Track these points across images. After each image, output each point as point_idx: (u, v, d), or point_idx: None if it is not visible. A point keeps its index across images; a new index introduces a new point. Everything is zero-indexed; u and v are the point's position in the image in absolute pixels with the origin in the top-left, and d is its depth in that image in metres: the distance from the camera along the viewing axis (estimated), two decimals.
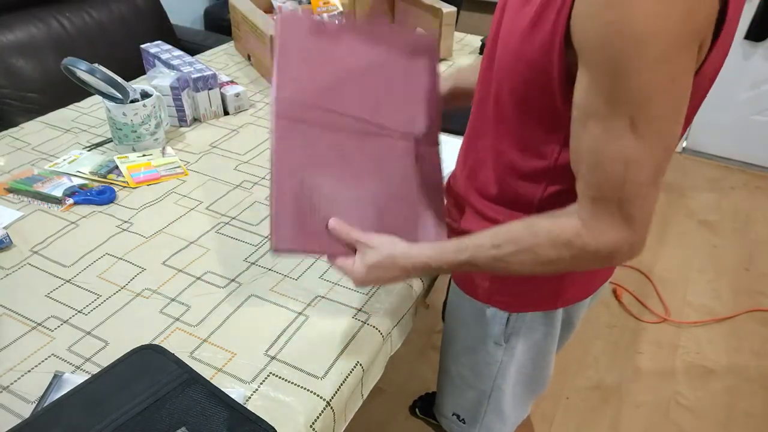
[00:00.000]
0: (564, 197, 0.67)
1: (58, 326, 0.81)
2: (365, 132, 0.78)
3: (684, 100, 0.56)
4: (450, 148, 1.21)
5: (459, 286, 0.88)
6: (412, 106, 0.83)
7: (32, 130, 1.29)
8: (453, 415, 1.00)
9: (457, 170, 0.86)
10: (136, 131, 1.18)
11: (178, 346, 0.78)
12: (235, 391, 0.72)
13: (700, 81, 0.58)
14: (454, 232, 0.85)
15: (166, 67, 1.37)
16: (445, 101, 0.90)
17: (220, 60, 1.69)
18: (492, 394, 0.92)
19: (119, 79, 1.13)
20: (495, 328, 0.85)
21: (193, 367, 0.72)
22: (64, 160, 1.17)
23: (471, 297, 0.85)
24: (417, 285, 0.91)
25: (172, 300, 0.86)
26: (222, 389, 0.70)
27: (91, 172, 1.13)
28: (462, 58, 1.70)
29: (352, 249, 0.73)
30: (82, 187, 1.09)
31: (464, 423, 0.99)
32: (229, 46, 1.79)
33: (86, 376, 0.72)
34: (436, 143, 0.85)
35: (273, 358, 0.77)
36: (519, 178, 0.72)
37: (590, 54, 0.54)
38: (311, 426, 0.70)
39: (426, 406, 1.61)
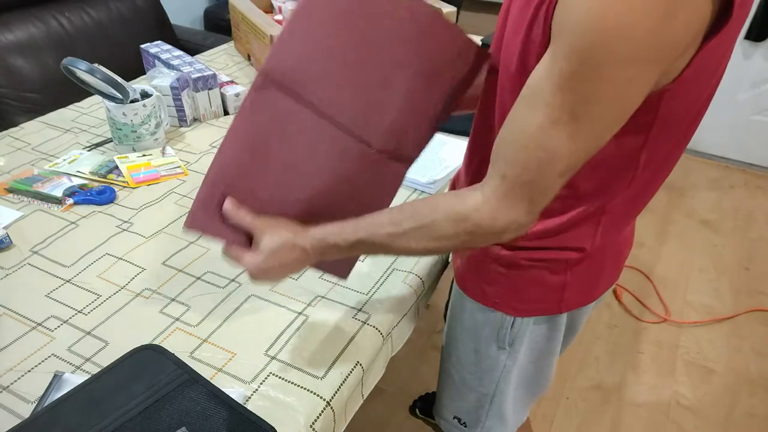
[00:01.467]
0: (568, 194, 0.67)
1: (58, 326, 0.81)
2: (338, 132, 0.70)
3: (627, 111, 0.55)
4: (450, 148, 1.21)
5: (462, 289, 0.87)
6: (412, 121, 0.72)
7: (32, 130, 1.29)
8: (454, 418, 1.00)
9: (462, 171, 0.86)
10: (136, 131, 1.18)
11: (178, 346, 0.78)
12: (235, 391, 0.71)
13: (693, 78, 0.57)
14: None
15: (166, 67, 1.37)
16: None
17: (220, 60, 1.69)
18: (494, 398, 0.92)
19: (119, 79, 1.13)
20: (499, 333, 0.84)
21: (193, 367, 0.72)
22: (64, 160, 1.17)
23: (475, 301, 0.85)
24: (417, 285, 0.91)
25: (172, 300, 0.86)
26: (222, 389, 0.70)
27: (91, 172, 1.13)
28: None
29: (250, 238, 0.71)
30: (82, 187, 1.09)
31: (465, 426, 0.99)
32: (229, 46, 1.79)
33: (86, 376, 0.72)
34: (409, 162, 0.76)
35: (273, 358, 0.77)
36: None
37: (561, 38, 0.54)
38: (311, 426, 0.70)
39: (426, 406, 1.60)
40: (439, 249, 0.67)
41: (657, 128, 0.61)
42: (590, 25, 0.50)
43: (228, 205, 0.69)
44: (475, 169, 0.80)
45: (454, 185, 0.90)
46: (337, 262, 0.79)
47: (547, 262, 0.75)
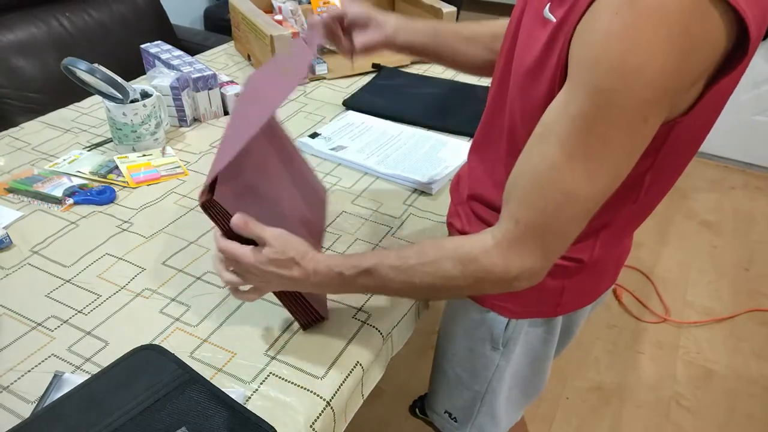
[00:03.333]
0: None
1: (58, 326, 0.81)
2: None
3: (642, 146, 0.54)
4: (450, 148, 1.21)
5: None
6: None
7: (32, 130, 1.29)
8: (445, 412, 1.01)
9: (464, 176, 0.86)
10: (136, 131, 1.18)
11: (178, 346, 0.78)
12: (235, 391, 0.71)
13: (704, 110, 0.57)
14: (457, 234, 0.85)
15: (166, 67, 1.37)
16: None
17: (220, 60, 1.69)
18: (486, 396, 0.92)
19: (119, 79, 1.13)
20: (494, 333, 0.84)
21: (193, 367, 0.72)
22: (64, 160, 1.17)
23: (471, 300, 0.85)
24: None
25: (172, 300, 0.86)
26: (222, 389, 0.70)
27: (91, 172, 1.13)
28: None
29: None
30: (82, 187, 1.09)
31: (456, 422, 0.99)
32: (229, 46, 1.79)
33: (86, 376, 0.72)
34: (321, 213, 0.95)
35: (273, 358, 0.77)
36: None
37: (579, 76, 0.52)
38: (311, 426, 0.70)
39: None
40: (444, 289, 0.64)
41: (664, 153, 0.61)
42: (611, 67, 0.49)
43: (237, 216, 0.66)
44: (477, 177, 0.80)
45: (457, 186, 0.90)
46: (320, 299, 0.81)
47: None
